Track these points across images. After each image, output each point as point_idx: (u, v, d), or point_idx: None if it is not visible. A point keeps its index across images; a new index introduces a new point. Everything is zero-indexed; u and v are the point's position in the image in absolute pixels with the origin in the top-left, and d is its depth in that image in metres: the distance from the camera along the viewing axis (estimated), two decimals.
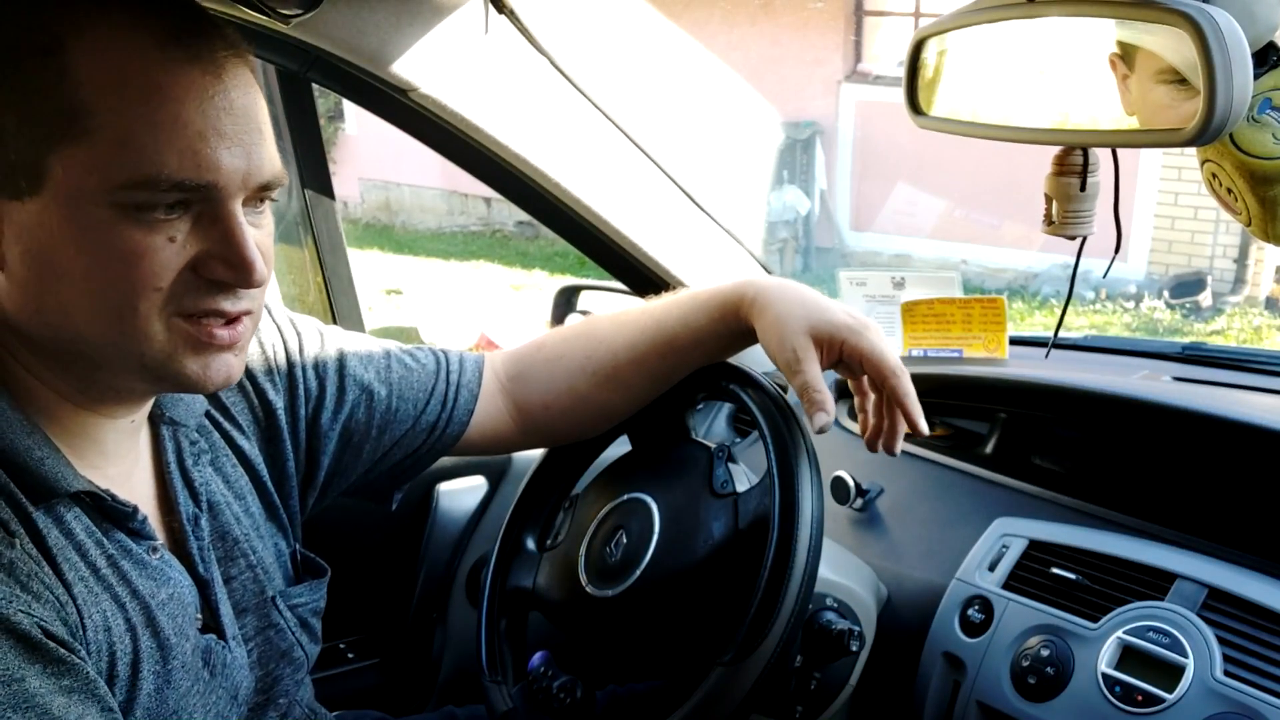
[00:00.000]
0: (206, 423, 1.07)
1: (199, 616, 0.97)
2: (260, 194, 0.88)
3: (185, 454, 1.02)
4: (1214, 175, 1.03)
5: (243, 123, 0.84)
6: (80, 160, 0.80)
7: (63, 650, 0.79)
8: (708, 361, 1.23)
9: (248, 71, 0.87)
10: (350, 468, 1.20)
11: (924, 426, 1.13)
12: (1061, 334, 1.57)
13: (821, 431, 1.10)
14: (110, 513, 0.90)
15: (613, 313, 1.29)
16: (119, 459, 0.95)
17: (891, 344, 1.17)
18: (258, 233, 0.89)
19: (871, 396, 1.18)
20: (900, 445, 1.17)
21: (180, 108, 0.81)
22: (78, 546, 0.86)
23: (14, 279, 0.84)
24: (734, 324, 1.18)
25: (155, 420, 1.01)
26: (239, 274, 0.85)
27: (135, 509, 0.91)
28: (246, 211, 0.87)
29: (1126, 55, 0.94)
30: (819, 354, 1.13)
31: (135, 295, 0.83)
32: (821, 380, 1.11)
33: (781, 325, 1.13)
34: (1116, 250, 1.06)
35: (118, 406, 0.93)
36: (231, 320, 0.88)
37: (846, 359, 1.14)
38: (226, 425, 1.09)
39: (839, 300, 1.32)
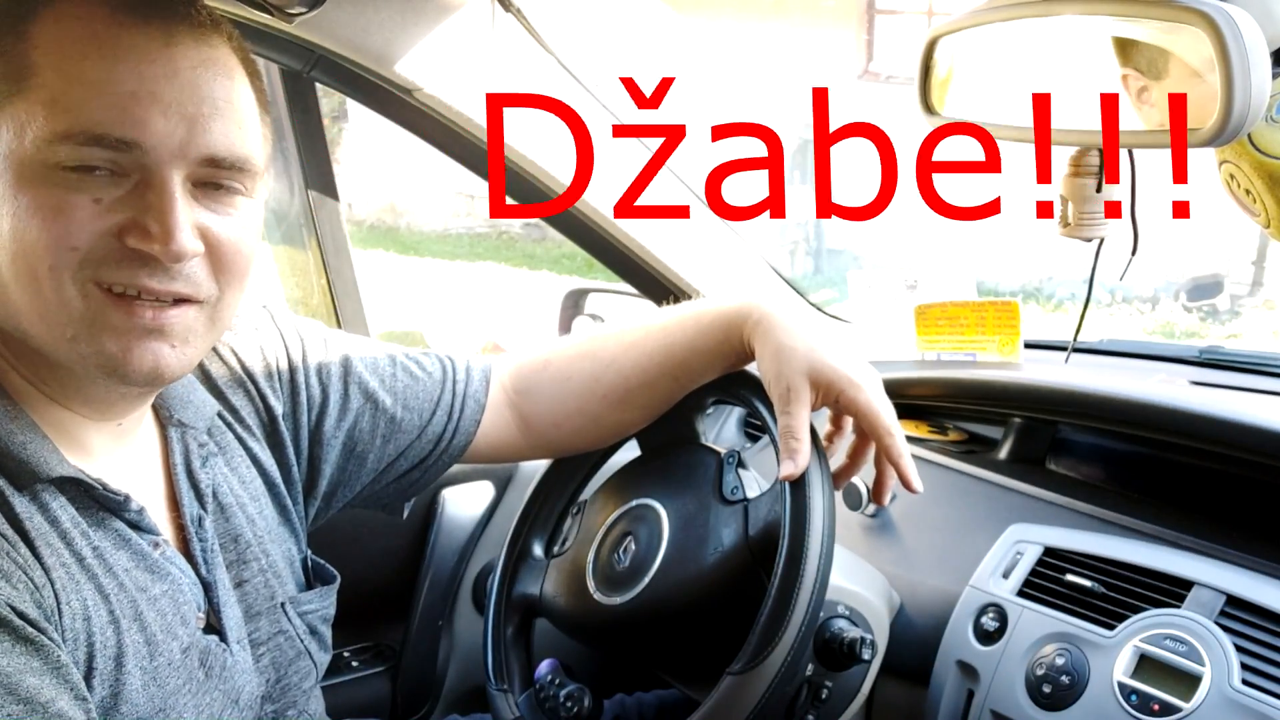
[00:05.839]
0: (219, 423, 1.06)
1: (201, 616, 0.96)
2: (214, 174, 0.86)
3: (193, 455, 1.01)
4: (1232, 176, 1.01)
5: (188, 92, 0.83)
6: (18, 117, 0.80)
7: (33, 630, 0.77)
8: (718, 375, 1.21)
9: (213, 50, 0.86)
10: (354, 477, 1.18)
11: (917, 485, 1.11)
12: (1078, 338, 1.56)
13: (784, 479, 1.06)
14: (103, 501, 0.89)
15: (616, 330, 1.26)
16: (107, 459, 0.93)
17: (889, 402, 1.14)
18: (212, 217, 0.86)
19: (848, 438, 1.17)
20: (889, 496, 1.17)
21: (115, 65, 0.80)
22: (61, 534, 0.85)
23: None
24: (738, 345, 1.16)
25: (164, 423, 1.00)
26: (158, 242, 0.82)
27: (128, 497, 0.90)
28: (203, 195, 0.86)
29: (1151, 66, 0.93)
30: (813, 396, 1.10)
31: (48, 252, 0.80)
32: (806, 429, 1.08)
33: (781, 359, 1.10)
34: (1134, 252, 1.05)
35: (92, 407, 0.91)
36: (162, 303, 0.85)
37: (841, 410, 1.13)
38: (238, 428, 1.08)
39: (849, 301, 1.31)
